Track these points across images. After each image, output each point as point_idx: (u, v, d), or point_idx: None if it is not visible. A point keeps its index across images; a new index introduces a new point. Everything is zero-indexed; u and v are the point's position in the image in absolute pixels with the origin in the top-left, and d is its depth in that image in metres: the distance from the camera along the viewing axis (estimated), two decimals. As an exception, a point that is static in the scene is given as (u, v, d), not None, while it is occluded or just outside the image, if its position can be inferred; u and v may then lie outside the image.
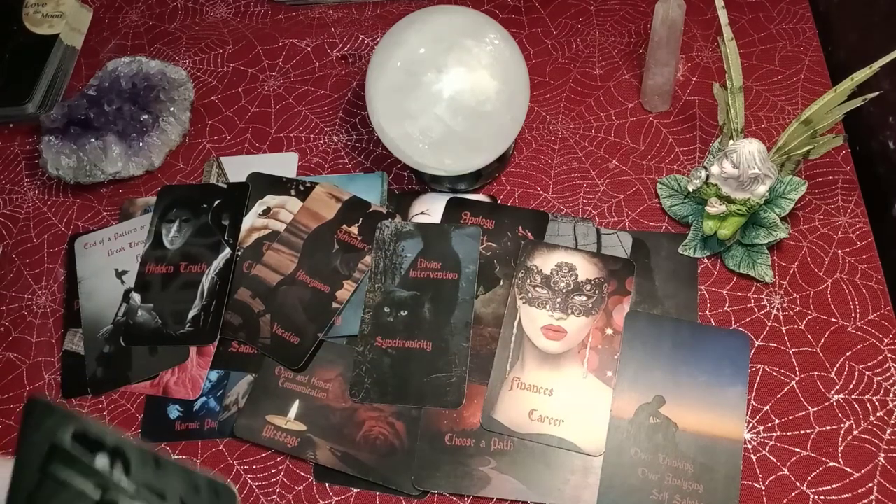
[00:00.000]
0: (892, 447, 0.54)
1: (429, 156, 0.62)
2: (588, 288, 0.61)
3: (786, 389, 0.57)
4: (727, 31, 0.58)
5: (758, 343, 0.59)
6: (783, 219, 0.60)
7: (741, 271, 0.61)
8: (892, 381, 0.56)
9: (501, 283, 0.63)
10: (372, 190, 0.70)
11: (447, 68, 0.59)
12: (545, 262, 0.62)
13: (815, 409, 0.56)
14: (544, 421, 0.56)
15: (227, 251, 0.66)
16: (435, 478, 0.55)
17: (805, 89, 0.71)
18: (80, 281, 0.68)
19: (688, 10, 0.65)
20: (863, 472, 0.53)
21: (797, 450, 0.54)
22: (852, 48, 0.73)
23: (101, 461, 0.30)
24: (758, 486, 0.53)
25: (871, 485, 0.52)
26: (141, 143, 0.74)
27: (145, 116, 0.75)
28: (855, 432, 0.54)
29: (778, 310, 0.60)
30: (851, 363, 0.57)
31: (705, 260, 0.63)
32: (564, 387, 0.57)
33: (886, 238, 0.64)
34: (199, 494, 0.29)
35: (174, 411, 0.61)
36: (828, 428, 0.55)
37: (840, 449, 0.54)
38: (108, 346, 0.64)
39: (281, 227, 0.68)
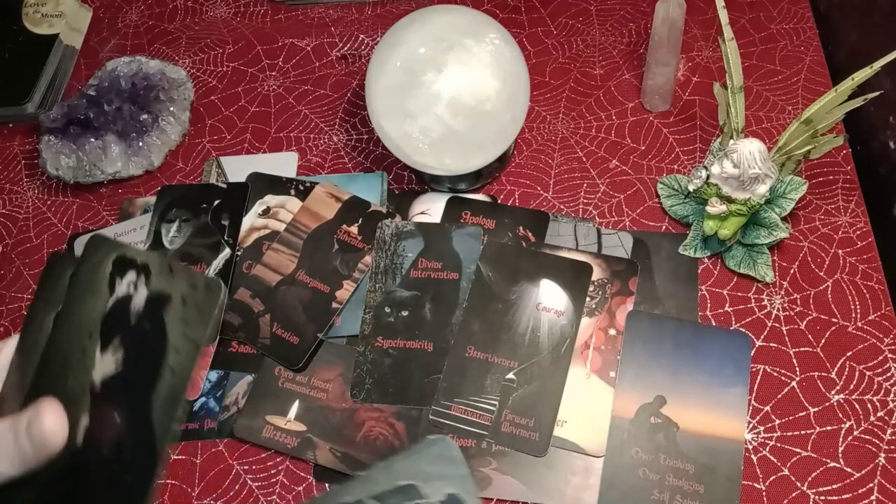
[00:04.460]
0: (892, 447, 0.53)
1: (429, 156, 0.62)
2: (591, 288, 0.61)
3: (786, 390, 0.57)
4: (727, 31, 0.58)
5: (758, 343, 0.59)
6: (784, 219, 0.60)
7: (742, 271, 0.61)
8: (892, 381, 0.56)
9: (502, 283, 0.63)
10: (372, 190, 0.70)
11: (447, 68, 0.59)
12: (545, 262, 0.62)
13: (816, 409, 0.56)
14: (545, 421, 0.56)
15: (227, 251, 0.66)
16: (435, 478, 0.55)
17: (805, 89, 0.71)
18: (80, 281, 0.68)
19: (688, 9, 0.64)
20: (863, 472, 0.53)
21: (798, 450, 0.54)
22: (853, 48, 0.73)
23: (131, 276, 0.35)
24: (758, 486, 0.53)
25: (871, 485, 0.52)
26: (140, 143, 0.74)
27: (145, 116, 0.75)
28: (855, 432, 0.54)
29: (778, 310, 0.60)
30: (852, 363, 0.57)
31: (706, 260, 0.63)
32: (568, 387, 0.57)
33: (887, 238, 0.64)
34: (197, 291, 0.34)
35: (174, 412, 0.61)
36: (828, 428, 0.55)
37: (840, 449, 0.54)
38: (107, 347, 0.64)
39: (281, 227, 0.67)
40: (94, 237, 0.37)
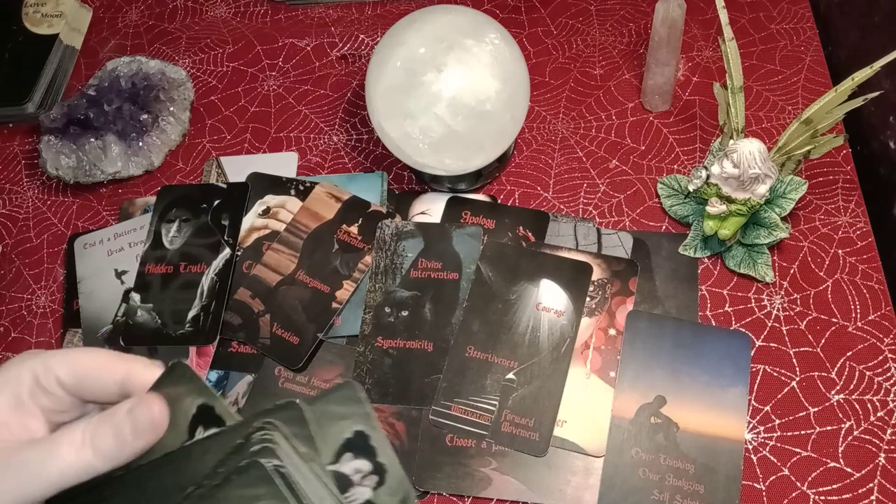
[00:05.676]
0: (892, 447, 0.53)
1: (429, 156, 0.62)
2: (591, 288, 0.61)
3: (786, 390, 0.57)
4: (727, 31, 0.58)
5: (758, 343, 0.59)
6: (784, 219, 0.60)
7: (742, 271, 0.61)
8: (892, 381, 0.56)
9: (502, 283, 0.63)
10: (372, 190, 0.70)
11: (447, 68, 0.59)
12: (545, 262, 0.62)
13: (816, 409, 0.56)
14: (545, 421, 0.56)
15: (227, 251, 0.66)
16: (435, 478, 0.55)
17: (805, 89, 0.71)
18: (80, 281, 0.68)
19: (688, 9, 0.64)
20: (863, 472, 0.53)
21: (798, 450, 0.54)
22: (852, 48, 0.73)
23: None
24: (758, 486, 0.53)
25: (871, 485, 0.52)
26: (140, 143, 0.74)
27: (145, 116, 0.75)
28: (855, 432, 0.54)
29: (778, 310, 0.60)
30: (852, 363, 0.57)
31: (706, 260, 0.63)
32: (568, 387, 0.57)
33: (887, 238, 0.64)
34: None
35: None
36: (828, 428, 0.55)
37: (840, 449, 0.54)
38: (107, 347, 0.64)
39: (281, 226, 0.67)
40: (179, 366, 0.33)
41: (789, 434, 0.55)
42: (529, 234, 0.65)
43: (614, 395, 0.57)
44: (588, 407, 0.57)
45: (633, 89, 0.74)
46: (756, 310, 0.60)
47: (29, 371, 0.34)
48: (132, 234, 0.70)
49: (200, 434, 0.33)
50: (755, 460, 0.54)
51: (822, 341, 0.58)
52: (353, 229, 0.66)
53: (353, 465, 0.33)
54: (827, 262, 0.61)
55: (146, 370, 0.35)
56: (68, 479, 0.32)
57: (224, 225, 0.68)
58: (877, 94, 0.57)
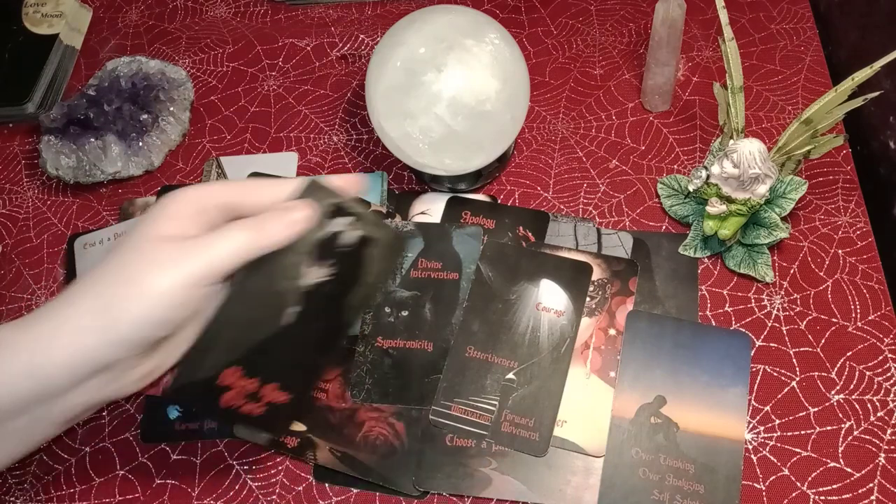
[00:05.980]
0: (892, 447, 0.54)
1: (429, 156, 0.62)
2: (591, 288, 0.61)
3: (786, 390, 0.57)
4: (727, 31, 0.58)
5: (758, 343, 0.59)
6: (784, 219, 0.60)
7: (741, 271, 0.61)
8: (892, 381, 0.56)
9: (502, 283, 0.63)
10: (372, 190, 0.70)
11: (447, 68, 0.59)
12: (545, 262, 0.62)
13: (816, 409, 0.56)
14: (545, 421, 0.56)
15: (227, 251, 0.66)
16: (435, 478, 0.55)
17: (805, 89, 0.71)
18: (80, 281, 0.68)
19: (688, 9, 0.65)
20: (863, 472, 0.53)
21: (798, 450, 0.54)
22: (853, 48, 0.73)
23: (347, 218, 0.46)
24: (758, 486, 0.53)
25: (871, 485, 0.52)
26: (140, 143, 0.74)
27: (145, 116, 0.75)
28: (855, 432, 0.54)
29: (778, 310, 0.60)
30: (852, 363, 0.57)
31: (706, 260, 0.63)
32: (568, 387, 0.57)
33: (887, 238, 0.64)
34: (394, 238, 0.50)
35: (174, 412, 0.61)
36: (828, 428, 0.55)
37: (840, 449, 0.54)
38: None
39: (281, 227, 0.67)
40: (315, 182, 0.45)
41: (789, 434, 0.55)
42: (529, 234, 0.65)
43: (614, 395, 0.57)
44: (588, 407, 0.57)
45: (633, 89, 0.74)
46: (756, 310, 0.60)
47: (192, 203, 0.42)
48: (132, 234, 0.70)
49: (336, 222, 0.45)
50: (755, 460, 0.54)
51: (822, 341, 0.58)
52: (353, 229, 0.66)
53: None
54: (827, 262, 0.61)
55: (289, 187, 0.45)
56: (235, 253, 0.41)
57: (224, 225, 0.68)
58: (877, 94, 0.57)
